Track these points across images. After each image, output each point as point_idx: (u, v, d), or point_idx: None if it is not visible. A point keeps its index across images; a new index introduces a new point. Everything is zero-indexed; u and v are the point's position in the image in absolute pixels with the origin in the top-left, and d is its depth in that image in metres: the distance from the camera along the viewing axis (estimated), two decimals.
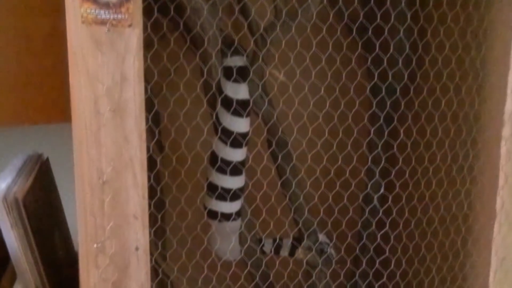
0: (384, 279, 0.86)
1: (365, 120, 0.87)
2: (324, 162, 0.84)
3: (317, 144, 0.83)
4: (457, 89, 0.84)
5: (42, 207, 0.91)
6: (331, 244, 0.91)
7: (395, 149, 0.83)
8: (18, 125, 0.93)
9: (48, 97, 0.93)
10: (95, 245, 0.67)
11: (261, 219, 0.87)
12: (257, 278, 0.89)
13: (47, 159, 1.00)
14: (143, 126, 0.65)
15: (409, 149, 0.84)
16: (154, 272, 0.80)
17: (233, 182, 0.84)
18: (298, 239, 0.92)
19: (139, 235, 0.68)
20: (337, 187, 0.85)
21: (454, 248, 0.87)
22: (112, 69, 0.63)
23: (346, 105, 0.82)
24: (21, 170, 0.89)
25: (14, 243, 0.77)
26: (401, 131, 0.83)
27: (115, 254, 0.67)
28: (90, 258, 0.67)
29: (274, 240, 0.93)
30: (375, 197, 0.89)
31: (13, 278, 0.79)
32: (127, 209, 0.67)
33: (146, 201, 0.67)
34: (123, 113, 0.64)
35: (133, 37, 0.62)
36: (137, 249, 0.68)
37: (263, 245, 0.92)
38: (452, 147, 0.86)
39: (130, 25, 0.62)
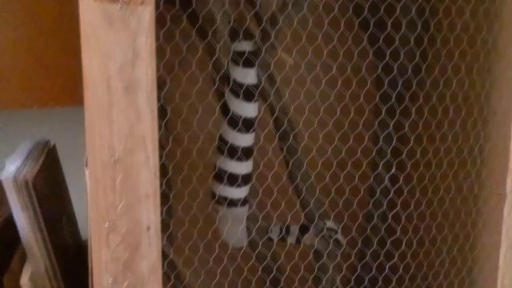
0: (395, 259, 0.86)
1: (377, 99, 0.86)
2: (336, 142, 0.84)
3: (328, 124, 0.83)
4: (469, 69, 0.83)
5: (51, 192, 0.91)
6: (339, 230, 0.90)
7: (406, 129, 0.83)
8: (26, 108, 0.93)
9: (56, 80, 0.93)
10: (106, 224, 0.66)
11: (267, 209, 0.87)
12: (263, 266, 0.89)
13: (54, 145, 1.00)
14: (155, 103, 0.65)
15: (420, 128, 0.83)
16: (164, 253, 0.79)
17: (241, 167, 0.84)
18: (305, 226, 0.91)
19: (150, 214, 0.67)
20: (348, 167, 0.85)
21: (464, 229, 0.87)
22: (124, 47, 0.62)
23: (357, 84, 0.82)
24: (29, 155, 0.89)
25: (24, 224, 0.77)
26: (413, 110, 0.83)
27: (127, 233, 0.67)
28: (102, 237, 0.67)
29: (281, 227, 0.93)
30: (386, 176, 0.88)
31: (23, 259, 0.79)
32: (139, 188, 0.66)
33: (157, 180, 0.67)
34: (136, 90, 0.64)
35: (145, 14, 0.62)
36: (148, 228, 0.68)
37: (270, 232, 0.92)
38: (463, 127, 0.85)
39: (142, 3, 0.62)
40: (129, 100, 0.64)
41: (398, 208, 0.85)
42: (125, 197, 0.66)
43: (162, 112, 0.73)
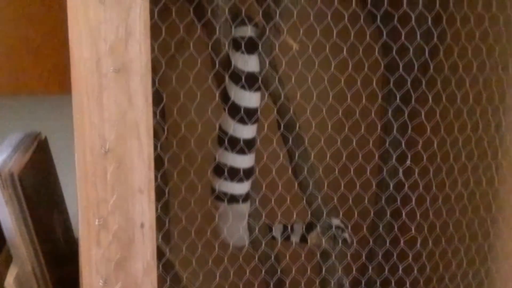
0: (410, 259, 0.81)
1: (390, 85, 0.81)
2: (347, 130, 0.78)
3: (336, 113, 0.77)
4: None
5: (40, 186, 0.85)
6: (347, 229, 0.85)
7: (423, 117, 0.77)
8: (14, 93, 0.87)
9: (45, 65, 0.87)
10: (96, 221, 0.61)
11: (269, 206, 0.82)
12: (265, 267, 0.83)
13: (45, 138, 0.95)
14: (149, 87, 0.59)
15: (437, 116, 0.78)
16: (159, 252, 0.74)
17: (242, 161, 0.79)
18: (311, 224, 0.86)
19: (144, 209, 0.62)
20: (360, 158, 0.79)
21: (484, 227, 0.82)
22: (116, 23, 0.57)
23: (368, 70, 0.76)
24: (17, 147, 0.84)
25: (9, 220, 0.71)
26: (430, 97, 0.77)
27: (119, 231, 0.61)
28: (92, 235, 0.61)
29: (285, 226, 0.88)
30: (400, 170, 0.82)
31: (9, 260, 0.73)
32: (132, 180, 0.61)
33: (152, 172, 0.61)
34: (128, 72, 0.58)
35: None
36: (142, 225, 0.62)
37: (273, 230, 0.87)
38: (483, 116, 0.80)
39: None
40: (121, 83, 0.58)
41: (412, 204, 0.79)
42: (117, 190, 0.61)
43: (157, 98, 0.67)
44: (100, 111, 0.58)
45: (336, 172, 0.79)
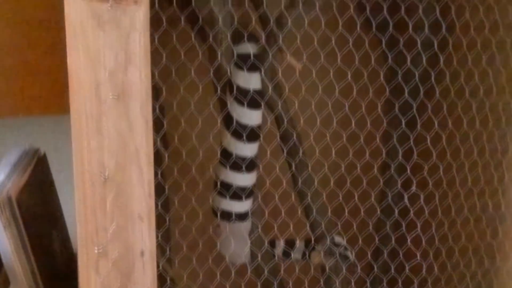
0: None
1: (396, 110, 0.79)
2: (351, 155, 0.77)
3: (340, 136, 0.76)
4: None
5: (39, 206, 0.84)
6: (348, 247, 0.84)
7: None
8: (13, 115, 0.86)
9: (44, 86, 0.86)
10: (96, 250, 0.59)
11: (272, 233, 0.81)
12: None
13: (44, 154, 0.93)
14: (149, 113, 0.58)
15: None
16: (161, 279, 0.72)
17: (244, 179, 0.78)
18: (311, 241, 0.85)
19: (144, 237, 0.60)
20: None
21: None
22: (115, 49, 0.55)
23: (365, 109, 0.75)
24: (16, 166, 0.82)
25: (6, 245, 0.69)
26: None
27: (118, 259, 0.60)
28: (91, 263, 0.60)
29: (286, 242, 0.86)
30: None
31: (6, 284, 0.72)
32: (132, 208, 0.59)
33: (153, 200, 0.60)
34: (128, 98, 0.57)
35: (139, 14, 0.55)
36: (142, 253, 0.61)
37: (273, 248, 0.85)
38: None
39: (135, 2, 0.55)
40: (120, 109, 0.57)
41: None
42: (117, 218, 0.59)
43: (158, 125, 0.66)
44: (99, 138, 0.57)
45: (340, 198, 0.78)
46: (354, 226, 0.79)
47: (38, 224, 0.80)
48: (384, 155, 0.81)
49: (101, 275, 0.60)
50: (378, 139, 0.77)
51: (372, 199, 0.79)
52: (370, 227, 0.80)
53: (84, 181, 0.58)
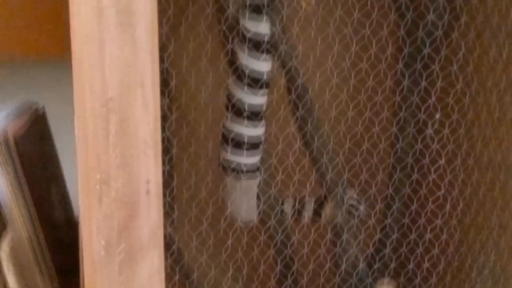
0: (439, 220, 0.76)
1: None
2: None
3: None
4: None
5: (37, 157, 0.81)
6: (360, 200, 0.81)
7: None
8: (9, 58, 0.82)
9: (43, 27, 0.82)
10: (98, 176, 0.56)
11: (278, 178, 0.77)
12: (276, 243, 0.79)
13: (43, 107, 0.90)
14: (155, 38, 0.55)
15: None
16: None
17: (251, 129, 0.75)
18: (323, 198, 0.82)
19: (150, 165, 0.57)
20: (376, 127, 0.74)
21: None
22: None
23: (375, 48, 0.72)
24: (14, 113, 0.79)
25: (2, 183, 0.66)
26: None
27: (122, 188, 0.56)
28: (92, 192, 0.56)
29: (296, 200, 0.83)
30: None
31: (4, 226, 0.68)
32: (137, 134, 0.56)
33: (158, 124, 0.56)
34: (132, 19, 0.53)
35: None
36: (148, 182, 0.57)
37: (282, 205, 0.82)
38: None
39: None
40: (124, 33, 0.53)
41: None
42: (120, 144, 0.56)
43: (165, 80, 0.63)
44: (102, 64, 0.54)
45: (348, 140, 0.75)
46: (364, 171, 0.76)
47: (36, 173, 0.77)
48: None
49: (103, 207, 0.56)
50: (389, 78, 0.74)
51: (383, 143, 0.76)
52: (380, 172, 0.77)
53: (85, 110, 0.55)
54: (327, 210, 0.82)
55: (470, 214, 0.81)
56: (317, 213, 0.83)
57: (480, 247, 0.81)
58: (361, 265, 0.83)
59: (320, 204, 0.83)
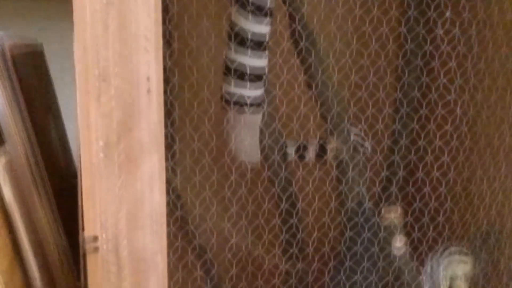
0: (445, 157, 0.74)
1: None
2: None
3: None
4: None
5: (35, 84, 0.79)
6: (365, 137, 0.79)
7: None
8: None
9: None
10: (96, 72, 0.54)
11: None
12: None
13: (41, 44, 0.88)
14: None
15: None
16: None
17: (254, 60, 0.72)
18: (328, 134, 0.79)
19: (151, 61, 0.55)
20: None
21: None
22: None
23: None
24: (12, 35, 0.76)
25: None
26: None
27: (121, 85, 0.54)
28: (90, 89, 0.54)
29: (299, 142, 0.81)
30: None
31: (1, 140, 0.66)
32: (137, 30, 0.54)
33: (159, 15, 0.54)
34: None
35: None
36: (148, 79, 0.55)
37: (285, 147, 0.80)
38: None
39: None
40: None
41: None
42: (119, 40, 0.54)
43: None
44: None
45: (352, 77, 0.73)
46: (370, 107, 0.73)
47: (34, 99, 0.75)
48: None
49: (101, 104, 0.54)
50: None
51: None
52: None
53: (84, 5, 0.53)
54: (331, 148, 0.80)
55: (479, 150, 0.79)
56: (322, 149, 0.81)
57: (487, 187, 0.79)
58: (367, 204, 0.81)
59: (325, 141, 0.80)
